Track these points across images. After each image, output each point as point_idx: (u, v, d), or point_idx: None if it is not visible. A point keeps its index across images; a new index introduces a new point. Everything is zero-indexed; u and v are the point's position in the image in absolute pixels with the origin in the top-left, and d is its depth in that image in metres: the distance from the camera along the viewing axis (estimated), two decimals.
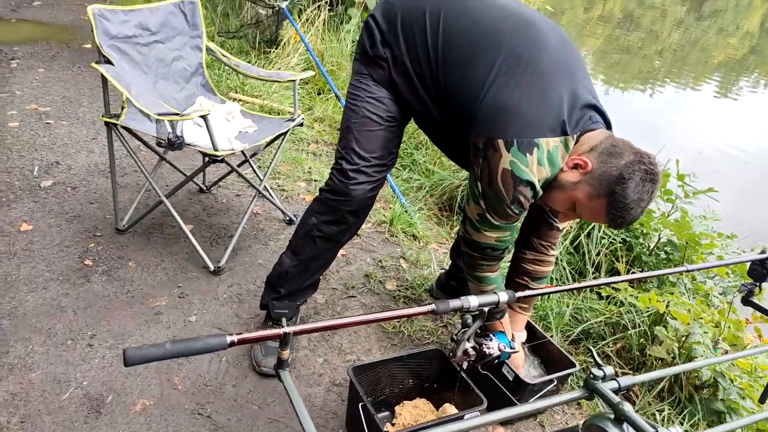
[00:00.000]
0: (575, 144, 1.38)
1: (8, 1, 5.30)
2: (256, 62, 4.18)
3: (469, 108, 1.42)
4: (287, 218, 2.60)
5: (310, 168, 3.11)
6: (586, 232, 2.47)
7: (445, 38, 1.47)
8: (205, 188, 2.73)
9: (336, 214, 1.67)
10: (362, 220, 1.75)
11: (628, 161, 1.31)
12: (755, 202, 4.26)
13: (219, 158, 1.98)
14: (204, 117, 1.88)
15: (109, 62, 2.02)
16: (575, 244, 2.50)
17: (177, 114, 1.92)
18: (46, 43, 4.39)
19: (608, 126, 1.45)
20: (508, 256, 1.85)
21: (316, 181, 2.99)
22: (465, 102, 1.44)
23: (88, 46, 4.46)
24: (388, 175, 2.93)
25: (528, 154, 1.34)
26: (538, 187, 1.38)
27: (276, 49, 4.27)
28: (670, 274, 1.68)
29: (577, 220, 2.52)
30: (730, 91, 9.22)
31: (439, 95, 1.52)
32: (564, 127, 1.35)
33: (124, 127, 2.10)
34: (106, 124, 2.12)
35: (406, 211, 2.75)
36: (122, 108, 2.15)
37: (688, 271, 1.55)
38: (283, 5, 3.92)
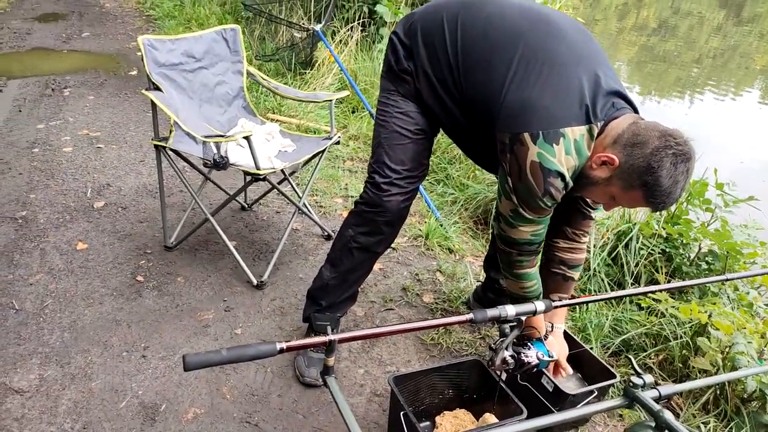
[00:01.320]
0: (600, 134, 1.39)
1: (60, 33, 5.62)
2: (292, 83, 4.32)
3: (492, 107, 1.46)
4: (325, 233, 2.67)
5: (346, 184, 3.19)
6: (624, 243, 2.46)
7: (463, 43, 1.52)
8: (246, 206, 2.83)
9: (372, 225, 1.73)
10: (397, 230, 1.80)
11: (654, 149, 1.29)
12: None
13: (261, 177, 2.07)
14: (247, 138, 1.98)
15: (157, 89, 2.15)
16: (613, 255, 2.49)
17: (222, 136, 2.02)
18: (95, 72, 4.64)
19: (635, 111, 1.44)
20: None
21: (352, 197, 3.07)
22: (487, 102, 1.47)
23: (134, 73, 4.69)
24: (423, 189, 3.00)
25: (555, 144, 1.36)
26: (568, 177, 1.40)
27: (311, 70, 4.40)
28: (710, 283, 1.66)
29: (616, 214, 2.52)
30: None
31: (462, 99, 1.56)
32: (588, 114, 1.36)
33: (171, 150, 2.22)
34: (156, 146, 2.24)
35: (441, 225, 2.79)
36: (170, 131, 2.27)
37: (728, 279, 1.55)
38: (318, 28, 4.05)
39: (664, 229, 2.32)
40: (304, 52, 4.59)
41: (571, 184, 1.43)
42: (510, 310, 1.09)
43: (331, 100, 2.44)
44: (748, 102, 8.59)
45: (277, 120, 3.83)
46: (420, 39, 1.60)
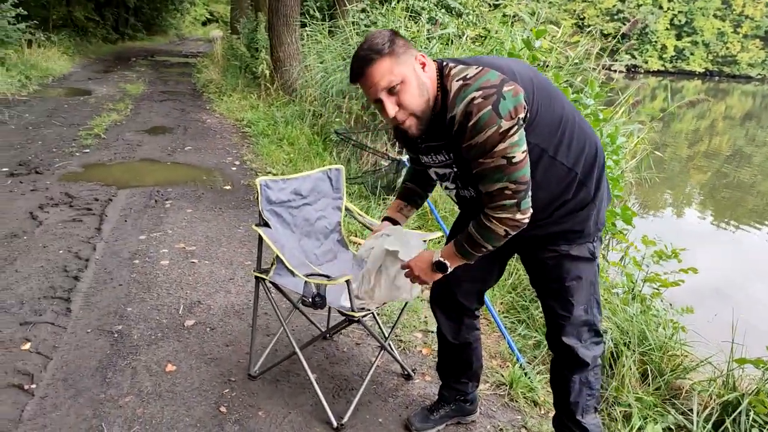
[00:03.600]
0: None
1: (166, 146, 6.20)
2: (375, 206, 4.48)
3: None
4: (405, 372, 2.61)
5: (426, 317, 3.16)
6: (731, 417, 2.25)
7: None
8: (328, 336, 2.85)
9: None
10: None
11: None
12: None
13: (356, 319, 2.09)
14: (347, 282, 2.03)
15: (266, 225, 2.28)
16: (720, 430, 2.27)
17: (325, 276, 2.09)
18: (193, 185, 5.01)
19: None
20: None
21: (431, 331, 3.02)
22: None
23: (228, 187, 5.03)
24: (504, 329, 2.92)
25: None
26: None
27: (394, 195, 4.57)
28: None
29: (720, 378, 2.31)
30: None
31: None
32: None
33: (270, 282, 2.30)
34: (256, 278, 2.33)
35: (525, 374, 2.67)
36: (271, 264, 2.37)
37: None
38: (404, 159, 4.25)
39: None
40: (388, 177, 4.80)
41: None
42: None
43: (425, 241, 2.49)
44: None
45: (358, 243, 3.94)
46: None
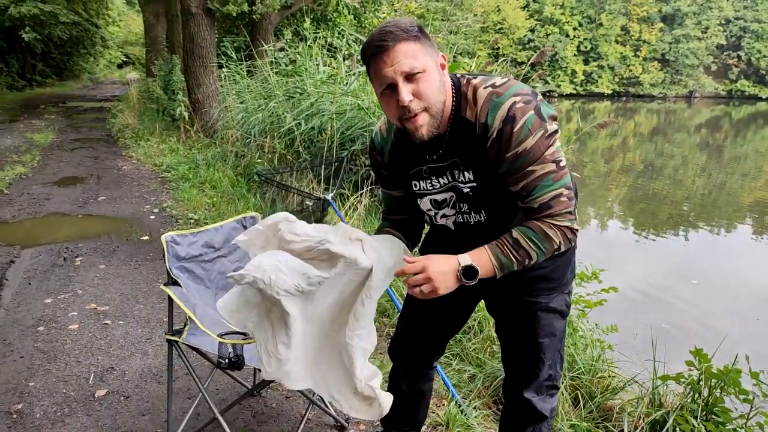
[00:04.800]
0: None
1: (77, 198, 5.84)
2: None
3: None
4: (338, 424, 2.50)
5: None
6: None
7: None
8: (255, 392, 2.69)
9: None
10: None
11: None
12: None
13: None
14: None
15: (176, 283, 2.14)
16: None
17: (240, 334, 1.97)
18: (107, 237, 4.72)
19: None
20: None
21: None
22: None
23: (146, 238, 4.78)
24: (439, 367, 2.87)
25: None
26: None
27: None
28: None
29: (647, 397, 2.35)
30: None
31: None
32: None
33: (185, 344, 2.15)
34: (168, 341, 2.17)
35: (462, 411, 2.63)
36: (185, 325, 2.22)
37: None
38: (329, 197, 4.20)
39: (704, 426, 2.17)
40: (315, 215, 4.72)
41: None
42: None
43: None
44: (743, 237, 8.82)
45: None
46: None
